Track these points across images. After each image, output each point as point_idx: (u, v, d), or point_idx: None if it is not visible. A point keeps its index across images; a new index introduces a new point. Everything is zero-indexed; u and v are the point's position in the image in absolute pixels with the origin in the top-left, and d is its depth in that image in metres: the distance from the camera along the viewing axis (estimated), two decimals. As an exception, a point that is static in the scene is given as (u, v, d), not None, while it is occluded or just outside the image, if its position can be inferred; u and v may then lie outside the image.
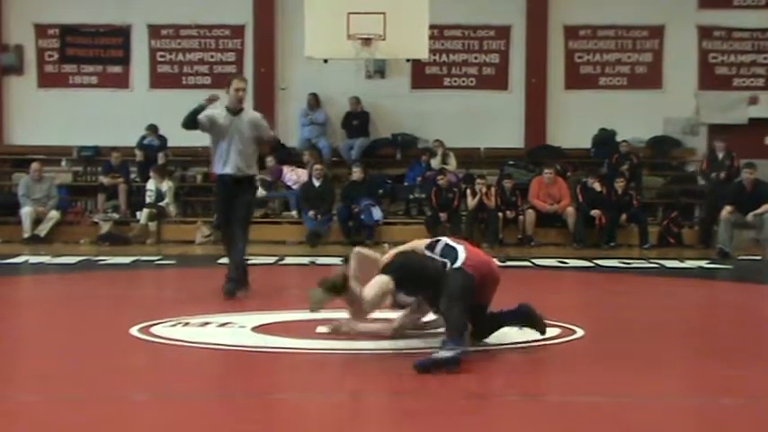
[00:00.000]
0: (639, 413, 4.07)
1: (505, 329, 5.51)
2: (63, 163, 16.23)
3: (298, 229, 14.21)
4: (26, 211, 14.06)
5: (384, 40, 12.53)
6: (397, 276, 5.02)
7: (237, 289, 7.50)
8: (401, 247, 5.32)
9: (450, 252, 5.08)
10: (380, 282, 5.02)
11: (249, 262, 8.08)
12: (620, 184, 14.01)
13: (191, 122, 7.54)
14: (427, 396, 4.36)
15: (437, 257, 5.10)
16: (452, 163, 15.21)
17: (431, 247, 5.23)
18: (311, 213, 13.92)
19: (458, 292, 4.85)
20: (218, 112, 7.60)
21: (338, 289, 4.96)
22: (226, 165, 7.54)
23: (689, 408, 4.25)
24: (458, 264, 4.99)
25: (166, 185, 14.61)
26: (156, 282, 10.11)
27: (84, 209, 15.39)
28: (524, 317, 5.41)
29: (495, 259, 5.75)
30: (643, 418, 4.00)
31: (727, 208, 12.48)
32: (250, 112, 7.81)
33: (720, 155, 14.01)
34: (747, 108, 16.10)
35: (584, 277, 10.31)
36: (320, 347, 5.32)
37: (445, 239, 5.29)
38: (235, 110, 7.61)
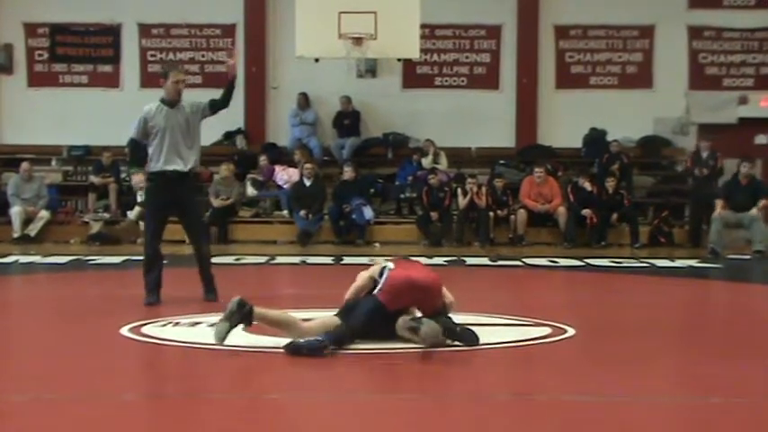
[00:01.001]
0: (630, 412, 4.08)
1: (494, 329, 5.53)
2: (53, 162, 16.16)
3: (289, 228, 14.20)
4: (15, 211, 14.01)
5: (375, 39, 12.53)
6: (343, 317, 5.39)
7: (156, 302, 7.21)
8: (371, 270, 5.59)
9: (383, 274, 5.43)
10: (330, 321, 5.37)
11: (217, 263, 7.85)
12: (611, 184, 14.04)
13: (136, 154, 7.42)
14: (418, 395, 4.36)
15: (378, 286, 5.41)
16: (443, 162, 15.22)
17: (380, 272, 5.49)
18: (302, 213, 13.91)
19: (360, 318, 5.27)
20: (153, 106, 7.21)
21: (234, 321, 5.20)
22: (166, 161, 7.11)
23: (679, 406, 4.26)
24: (376, 289, 5.38)
25: (157, 185, 14.56)
26: (147, 281, 10.06)
27: (74, 208, 15.35)
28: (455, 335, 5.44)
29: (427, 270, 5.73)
30: (633, 416, 4.01)
31: (719, 203, 12.53)
32: (187, 102, 7.30)
33: (705, 154, 14.06)
34: (737, 108, 16.16)
35: (575, 276, 10.33)
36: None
37: (389, 265, 5.50)
38: (172, 102, 7.20)
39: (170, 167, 7.09)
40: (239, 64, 16.27)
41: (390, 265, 5.53)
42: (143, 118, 7.16)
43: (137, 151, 7.37)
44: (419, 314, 5.44)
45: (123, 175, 15.44)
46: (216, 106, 7.35)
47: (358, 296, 5.54)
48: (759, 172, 14.92)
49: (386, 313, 5.31)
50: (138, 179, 7.66)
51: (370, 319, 5.30)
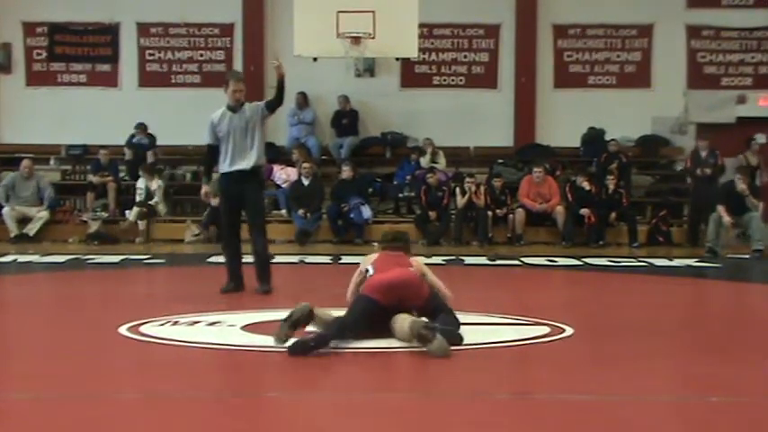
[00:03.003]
0: (628, 411, 4.08)
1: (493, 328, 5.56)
2: (51, 162, 16.15)
3: (287, 227, 14.19)
4: (6, 212, 13.97)
5: (373, 38, 12.53)
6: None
7: (235, 290, 7.76)
8: (361, 265, 5.85)
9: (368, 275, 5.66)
10: (331, 316, 5.50)
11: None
12: (611, 181, 14.05)
13: (210, 159, 7.91)
14: (416, 394, 4.37)
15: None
16: (442, 161, 15.22)
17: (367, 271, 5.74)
18: (300, 212, 13.91)
19: (350, 316, 5.41)
20: (219, 113, 7.79)
21: (300, 324, 5.32)
22: (231, 162, 7.67)
23: (677, 405, 4.27)
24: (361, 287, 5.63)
25: (156, 184, 14.58)
26: (146, 281, 10.09)
27: (72, 208, 15.33)
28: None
29: (409, 268, 5.79)
30: (632, 415, 4.01)
31: (721, 208, 12.52)
32: (248, 105, 7.87)
33: (704, 153, 14.06)
34: (735, 107, 16.17)
35: (574, 276, 10.33)
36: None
37: (369, 270, 5.71)
38: (234, 108, 7.76)
39: (235, 167, 7.65)
40: (237, 63, 16.35)
41: (370, 270, 5.70)
42: (210, 123, 7.76)
43: (212, 156, 7.85)
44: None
45: (122, 174, 15.46)
46: (271, 106, 7.89)
47: (353, 294, 5.76)
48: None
49: (381, 306, 5.42)
50: (206, 190, 8.28)
51: (366, 313, 5.40)
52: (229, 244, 7.92)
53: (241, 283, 7.86)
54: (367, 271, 5.74)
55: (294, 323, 5.25)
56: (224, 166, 7.73)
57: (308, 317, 5.32)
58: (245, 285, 7.86)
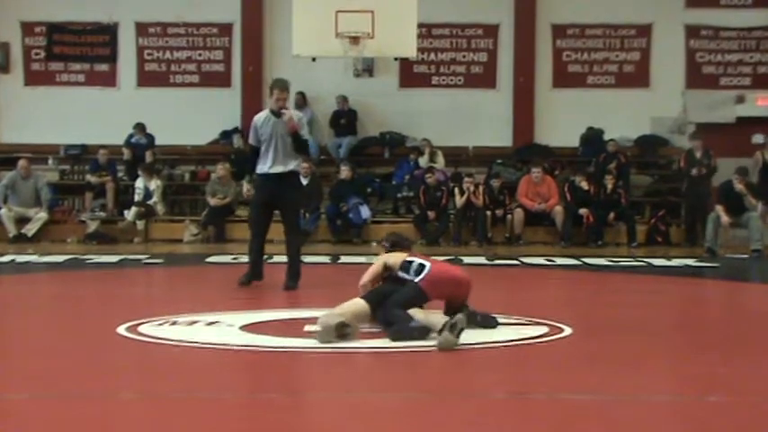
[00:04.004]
0: (627, 411, 4.08)
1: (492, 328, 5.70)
2: (50, 161, 16.15)
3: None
4: (5, 212, 13.96)
5: (372, 38, 12.52)
6: (372, 303, 5.72)
7: (252, 280, 8.08)
8: (384, 258, 6.05)
9: (420, 269, 5.81)
10: (358, 304, 5.71)
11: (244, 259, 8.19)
12: (609, 181, 14.05)
13: (253, 159, 8.13)
14: (414, 393, 4.36)
15: (408, 277, 5.80)
16: (440, 161, 15.23)
17: (405, 267, 5.86)
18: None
19: (407, 299, 5.65)
20: (262, 116, 8.12)
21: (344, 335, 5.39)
22: (271, 164, 7.95)
23: (675, 405, 4.26)
24: (418, 278, 5.74)
25: (155, 184, 14.58)
26: (144, 280, 10.08)
27: (71, 207, 15.33)
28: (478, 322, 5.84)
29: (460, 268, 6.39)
30: (630, 415, 4.01)
31: (719, 208, 12.53)
32: (292, 113, 8.16)
33: (698, 153, 14.07)
34: (734, 107, 16.18)
35: (572, 276, 10.33)
36: (308, 346, 5.31)
37: (418, 260, 5.92)
38: (277, 113, 8.00)
39: (274, 170, 7.95)
40: (236, 62, 16.34)
41: (425, 262, 5.87)
42: (253, 126, 8.08)
43: (254, 157, 8.11)
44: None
45: (120, 174, 15.45)
46: (297, 150, 8.11)
47: (374, 283, 5.93)
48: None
49: (425, 300, 5.71)
50: (247, 188, 8.46)
51: (412, 303, 5.61)
52: (256, 241, 8.20)
53: (260, 273, 8.14)
54: (408, 264, 5.85)
55: (341, 334, 5.31)
56: (263, 168, 7.99)
57: (342, 326, 5.34)
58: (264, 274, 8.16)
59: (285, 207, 8.12)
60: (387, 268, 5.99)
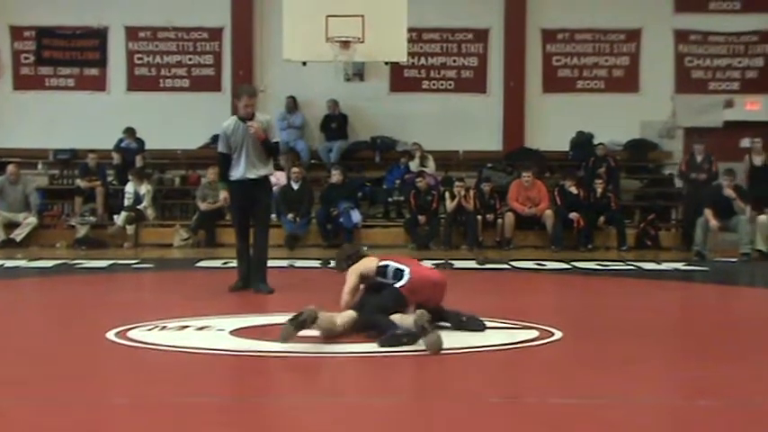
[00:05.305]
0: (617, 414, 4.09)
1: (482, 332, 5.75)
2: (39, 166, 16.09)
3: (276, 231, 14.10)
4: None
5: (362, 42, 12.52)
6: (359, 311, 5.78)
7: (244, 287, 8.13)
8: (355, 269, 6.04)
9: (398, 274, 5.88)
10: (348, 315, 5.69)
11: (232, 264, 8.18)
12: (599, 185, 14.09)
13: (224, 166, 8.15)
14: (405, 398, 4.36)
15: (388, 281, 5.87)
16: (431, 165, 15.24)
17: (381, 273, 5.93)
18: (290, 216, 13.90)
19: (387, 305, 5.70)
20: (231, 123, 8.09)
21: (306, 325, 5.39)
22: (245, 170, 7.99)
23: (665, 409, 4.27)
24: (399, 284, 5.80)
25: (145, 188, 14.54)
26: (134, 285, 10.05)
27: (60, 212, 15.27)
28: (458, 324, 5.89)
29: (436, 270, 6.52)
30: (621, 418, 4.02)
31: (708, 212, 12.58)
32: (260, 117, 8.19)
33: (699, 157, 14.12)
34: (723, 111, 16.25)
35: (563, 279, 10.34)
36: (299, 351, 5.31)
37: (393, 264, 5.95)
38: (246, 118, 8.02)
39: (248, 176, 8.00)
40: (226, 67, 16.32)
41: (402, 266, 5.90)
42: (223, 134, 8.08)
43: (225, 163, 8.12)
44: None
45: (110, 179, 15.41)
46: (269, 154, 8.22)
47: (354, 297, 5.92)
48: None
49: (405, 306, 5.69)
50: (224, 195, 8.30)
51: (393, 308, 5.63)
52: (240, 246, 8.24)
53: (248, 282, 8.15)
54: (384, 269, 5.90)
55: (300, 323, 5.31)
56: (236, 174, 8.04)
57: (314, 319, 5.38)
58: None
59: (260, 208, 8.16)
60: (363, 277, 6.00)
